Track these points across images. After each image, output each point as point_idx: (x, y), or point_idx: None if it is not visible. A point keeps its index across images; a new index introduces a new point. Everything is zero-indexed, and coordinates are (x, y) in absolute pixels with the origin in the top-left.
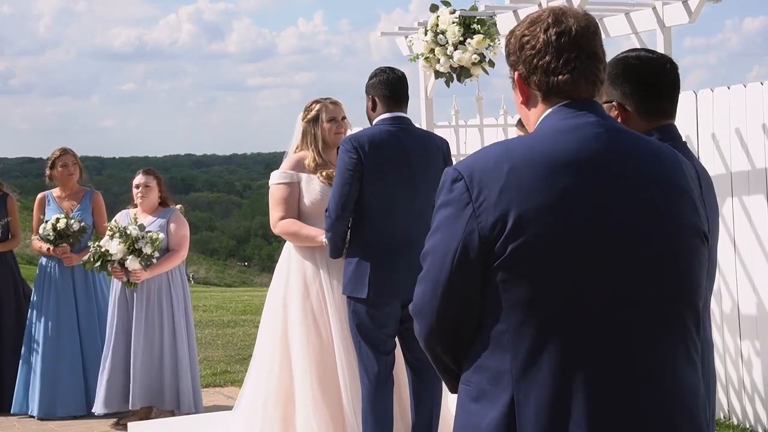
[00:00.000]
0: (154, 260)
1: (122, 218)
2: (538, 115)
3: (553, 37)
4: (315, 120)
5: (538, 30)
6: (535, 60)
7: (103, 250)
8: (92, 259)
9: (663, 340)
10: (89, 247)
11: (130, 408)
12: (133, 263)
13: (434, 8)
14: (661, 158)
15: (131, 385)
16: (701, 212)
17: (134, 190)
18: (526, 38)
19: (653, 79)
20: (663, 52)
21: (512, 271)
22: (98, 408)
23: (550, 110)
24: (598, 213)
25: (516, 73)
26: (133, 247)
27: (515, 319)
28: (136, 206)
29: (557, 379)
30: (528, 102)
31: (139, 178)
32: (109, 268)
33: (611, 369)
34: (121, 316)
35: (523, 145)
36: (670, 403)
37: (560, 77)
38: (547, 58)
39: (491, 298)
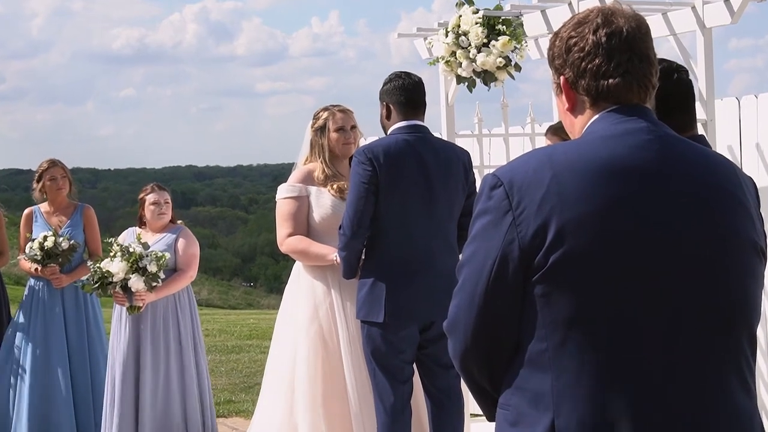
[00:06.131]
0: (160, 281)
1: (128, 237)
2: (584, 122)
3: (603, 39)
4: (322, 129)
5: (587, 31)
6: (583, 63)
7: (103, 271)
8: (92, 282)
9: (713, 362)
10: (81, 266)
11: None
12: (137, 283)
13: (461, 4)
14: (716, 167)
15: (140, 416)
16: (758, 226)
17: (150, 208)
18: (573, 40)
19: (662, 94)
20: (704, 56)
21: (553, 285)
22: None
23: (597, 116)
24: (646, 224)
25: (562, 77)
26: (136, 265)
27: (556, 337)
28: (144, 224)
29: (600, 402)
30: (574, 108)
31: (155, 196)
32: (110, 292)
33: (657, 392)
34: (127, 344)
35: (567, 151)
36: (719, 428)
37: (611, 81)
38: (596, 60)
39: (530, 314)
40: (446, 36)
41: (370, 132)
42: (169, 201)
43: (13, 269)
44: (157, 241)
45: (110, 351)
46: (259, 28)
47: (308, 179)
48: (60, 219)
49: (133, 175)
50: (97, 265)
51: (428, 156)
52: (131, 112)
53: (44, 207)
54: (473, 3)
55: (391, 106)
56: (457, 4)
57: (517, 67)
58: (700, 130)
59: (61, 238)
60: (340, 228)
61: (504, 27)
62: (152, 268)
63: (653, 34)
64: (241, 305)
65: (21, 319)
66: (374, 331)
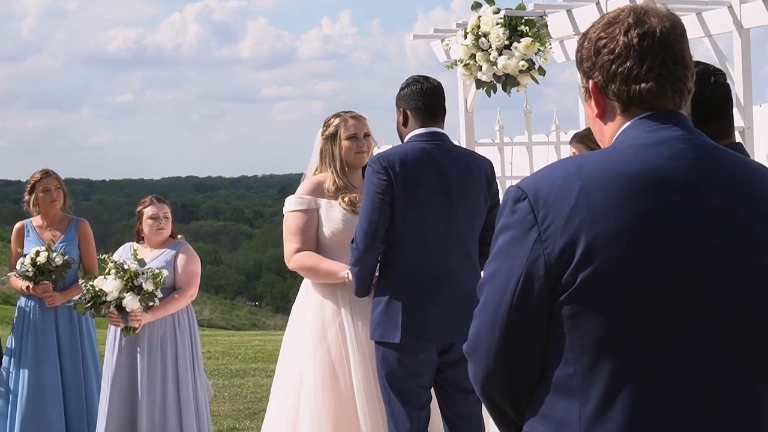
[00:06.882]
0: (156, 300)
1: (125, 253)
2: (614, 129)
3: (635, 40)
4: (333, 137)
5: (618, 32)
6: (614, 66)
7: (96, 289)
8: (84, 301)
9: (753, 384)
10: (75, 284)
11: None
12: (131, 302)
13: (477, 6)
14: (755, 177)
15: None
16: None
17: (148, 222)
18: (603, 41)
19: (698, 99)
20: (741, 58)
21: (582, 306)
22: None
23: (629, 123)
24: (681, 239)
25: (591, 81)
26: (131, 283)
27: (584, 361)
28: (142, 239)
29: (633, 431)
30: (604, 115)
31: (153, 209)
32: (104, 312)
33: (695, 417)
34: (120, 367)
35: (596, 161)
36: None
37: (643, 85)
38: (628, 63)
39: (557, 336)
40: (465, 37)
41: (385, 140)
42: (169, 215)
43: (1, 287)
44: (155, 258)
45: (104, 375)
46: (265, 29)
47: (318, 191)
48: (53, 233)
49: (130, 186)
50: (90, 283)
51: (448, 165)
52: (128, 118)
53: (36, 221)
54: (494, 2)
55: (408, 113)
56: (473, 6)
57: (541, 71)
58: (737, 138)
59: (55, 254)
60: (352, 242)
61: (527, 28)
62: (148, 286)
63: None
64: (246, 326)
65: (12, 344)
66: (389, 353)
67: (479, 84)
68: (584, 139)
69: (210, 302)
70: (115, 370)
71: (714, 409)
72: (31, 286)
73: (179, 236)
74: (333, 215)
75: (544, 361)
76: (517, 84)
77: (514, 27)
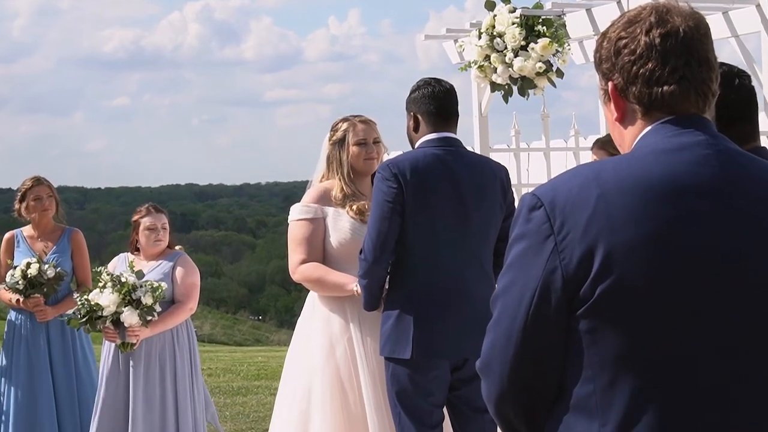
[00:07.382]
0: (155, 314)
1: (119, 264)
2: (635, 134)
3: (657, 40)
4: (341, 142)
5: (639, 31)
6: (634, 67)
7: (92, 303)
8: (79, 316)
9: (765, 387)
10: (68, 297)
11: None
12: (130, 317)
13: (491, 5)
14: None
15: None
16: None
17: (144, 233)
18: (624, 41)
19: (722, 102)
20: None
21: (601, 320)
22: None
23: (650, 128)
24: (704, 249)
25: (610, 83)
26: (129, 297)
27: (604, 378)
28: (137, 250)
29: None
30: (624, 119)
31: (150, 219)
32: (100, 327)
33: (711, 425)
34: (113, 384)
35: (616, 167)
36: None
37: (665, 88)
38: (649, 64)
39: (574, 352)
40: (479, 38)
41: (395, 146)
42: (167, 225)
43: None
44: (151, 270)
45: (98, 393)
46: (270, 29)
47: (325, 199)
48: (45, 244)
49: (126, 194)
50: (85, 296)
51: (461, 172)
52: (125, 123)
53: (27, 230)
54: (509, 1)
55: (420, 117)
56: (487, 4)
57: (559, 73)
58: (764, 143)
59: (47, 266)
60: (360, 252)
61: (544, 28)
62: (147, 300)
63: (713, 36)
64: (249, 341)
65: (3, 363)
66: (400, 369)
67: (494, 87)
68: (606, 145)
69: (211, 316)
70: (110, 388)
71: (727, 412)
72: (21, 299)
73: (177, 246)
74: (340, 224)
75: (561, 379)
76: (534, 87)
77: (530, 27)
